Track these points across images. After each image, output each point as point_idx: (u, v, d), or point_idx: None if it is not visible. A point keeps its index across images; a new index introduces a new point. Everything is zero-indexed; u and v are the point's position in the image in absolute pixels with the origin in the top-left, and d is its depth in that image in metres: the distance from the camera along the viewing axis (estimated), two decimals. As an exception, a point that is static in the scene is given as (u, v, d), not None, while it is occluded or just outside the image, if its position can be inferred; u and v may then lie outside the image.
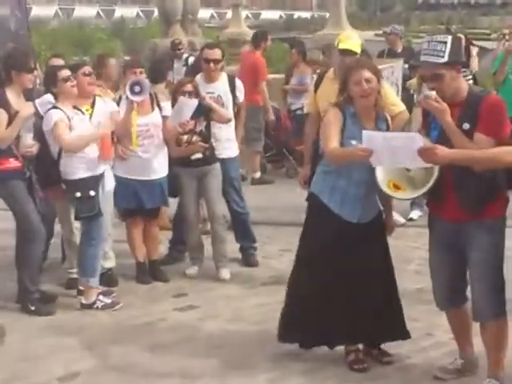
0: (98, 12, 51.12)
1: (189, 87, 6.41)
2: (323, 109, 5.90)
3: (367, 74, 4.59)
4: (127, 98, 5.99)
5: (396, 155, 4.15)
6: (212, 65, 6.70)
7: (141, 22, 41.82)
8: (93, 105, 6.03)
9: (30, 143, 5.72)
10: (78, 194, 5.70)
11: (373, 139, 4.21)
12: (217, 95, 6.72)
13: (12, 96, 5.70)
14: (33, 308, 5.78)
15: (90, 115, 5.96)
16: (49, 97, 6.07)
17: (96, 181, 5.79)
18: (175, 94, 6.46)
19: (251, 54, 10.46)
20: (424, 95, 4.16)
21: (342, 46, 5.78)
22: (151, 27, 29.48)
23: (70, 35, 30.27)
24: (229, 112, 6.69)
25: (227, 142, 6.81)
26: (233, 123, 6.87)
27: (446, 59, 4.10)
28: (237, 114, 7.06)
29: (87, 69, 6.07)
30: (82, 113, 5.87)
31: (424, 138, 4.18)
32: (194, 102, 6.27)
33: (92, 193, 5.71)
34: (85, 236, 5.89)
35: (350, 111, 4.63)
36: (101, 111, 6.05)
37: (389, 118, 4.84)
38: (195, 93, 6.39)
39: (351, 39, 5.87)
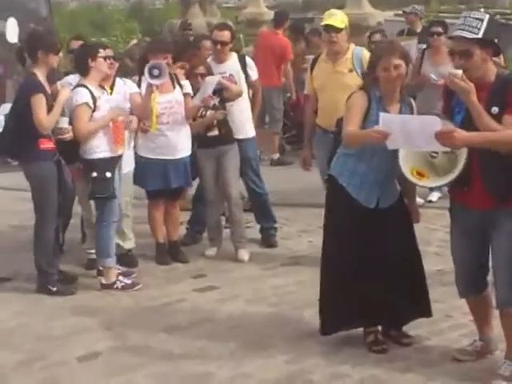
0: (116, -7, 51.06)
1: (201, 69, 6.44)
2: (318, 89, 6.10)
3: (397, 60, 4.52)
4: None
5: (412, 138, 4.10)
6: (219, 46, 6.70)
7: (159, 2, 41.70)
8: (112, 85, 6.06)
9: (65, 127, 5.72)
10: (94, 174, 5.73)
11: (390, 122, 4.17)
12: (229, 74, 6.72)
13: (40, 77, 5.71)
14: (54, 289, 5.83)
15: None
16: (70, 78, 6.08)
17: (113, 162, 5.81)
18: (189, 76, 6.51)
19: (273, 35, 10.43)
20: (449, 73, 4.07)
21: (324, 22, 5.99)
22: (170, 8, 29.35)
23: (88, 17, 30.22)
24: (241, 87, 6.69)
25: (244, 122, 6.80)
26: (249, 104, 6.86)
27: (479, 36, 4.00)
28: (252, 94, 7.06)
29: (108, 51, 6.09)
30: (107, 92, 5.91)
31: (447, 121, 4.12)
32: (215, 78, 6.33)
33: (108, 174, 5.72)
34: (98, 217, 5.93)
35: (375, 94, 4.58)
36: (120, 92, 6.08)
37: (413, 103, 4.78)
38: (208, 74, 6.43)
39: (334, 16, 6.03)
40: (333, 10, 6.20)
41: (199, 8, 15.78)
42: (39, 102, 5.60)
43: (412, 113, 4.70)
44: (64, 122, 5.73)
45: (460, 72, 4.01)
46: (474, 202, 4.18)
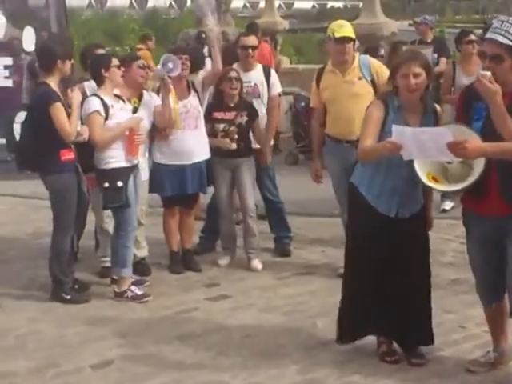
0: (130, 2, 51.39)
1: (234, 73, 6.48)
2: (327, 101, 6.10)
3: (417, 69, 4.47)
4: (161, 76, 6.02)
5: (425, 149, 4.10)
6: (250, 51, 6.76)
7: (173, 12, 41.90)
8: (140, 97, 6.11)
9: (81, 129, 5.73)
10: (106, 185, 5.75)
11: (402, 134, 4.17)
12: (253, 84, 6.75)
13: (53, 86, 5.73)
14: (68, 297, 5.85)
15: (137, 108, 6.10)
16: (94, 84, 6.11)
17: (126, 172, 5.81)
18: (220, 82, 6.53)
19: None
20: (479, 73, 4.00)
21: (337, 34, 5.94)
22: (184, 18, 29.51)
23: (102, 26, 30.40)
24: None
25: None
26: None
27: None
28: (272, 105, 7.07)
29: (142, 62, 6.16)
30: (123, 101, 5.94)
31: (468, 128, 4.10)
32: None
33: (119, 184, 5.73)
34: (115, 227, 5.96)
35: (394, 104, 4.54)
36: (147, 104, 6.13)
37: (439, 110, 4.71)
38: (239, 78, 6.49)
39: (345, 27, 6.01)
40: (342, 21, 6.19)
41: (214, 17, 15.81)
42: (59, 111, 5.62)
43: (437, 121, 4.61)
44: (79, 125, 5.74)
45: (489, 74, 3.97)
46: (490, 209, 4.16)
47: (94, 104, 5.75)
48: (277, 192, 7.01)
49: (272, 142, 7.11)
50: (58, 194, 5.81)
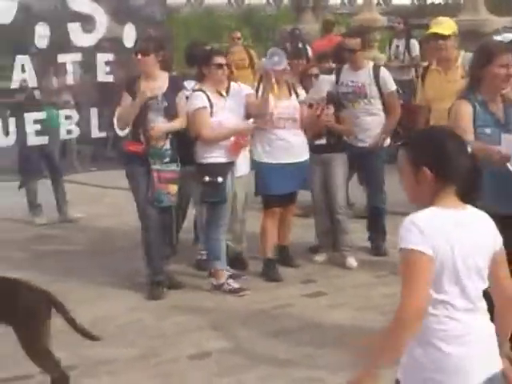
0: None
1: (314, 70, 6.68)
2: (432, 100, 6.07)
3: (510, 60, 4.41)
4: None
5: None
6: (347, 54, 6.67)
7: (270, 9, 42.01)
8: (228, 89, 6.14)
9: (153, 125, 5.78)
10: (207, 179, 5.80)
11: None
12: (360, 84, 6.65)
13: (142, 78, 5.91)
14: (164, 290, 5.95)
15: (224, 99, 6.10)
16: (186, 83, 6.19)
17: (227, 168, 5.87)
18: (302, 77, 6.72)
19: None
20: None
21: (430, 30, 6.05)
22: (280, 14, 29.52)
23: (200, 23, 30.75)
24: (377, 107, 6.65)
25: (376, 132, 6.73)
26: (383, 116, 6.76)
27: None
28: (387, 105, 6.79)
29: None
30: (224, 99, 5.99)
31: None
32: (331, 77, 6.50)
33: (220, 179, 5.78)
34: (208, 220, 6.02)
35: (478, 99, 4.45)
36: (235, 96, 6.15)
37: None
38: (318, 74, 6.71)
39: (440, 24, 6.05)
40: (440, 18, 6.20)
41: (312, 14, 15.81)
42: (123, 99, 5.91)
43: None
44: (159, 121, 5.80)
45: None
46: None
47: (201, 100, 5.82)
48: (384, 195, 6.90)
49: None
50: (129, 185, 5.99)
